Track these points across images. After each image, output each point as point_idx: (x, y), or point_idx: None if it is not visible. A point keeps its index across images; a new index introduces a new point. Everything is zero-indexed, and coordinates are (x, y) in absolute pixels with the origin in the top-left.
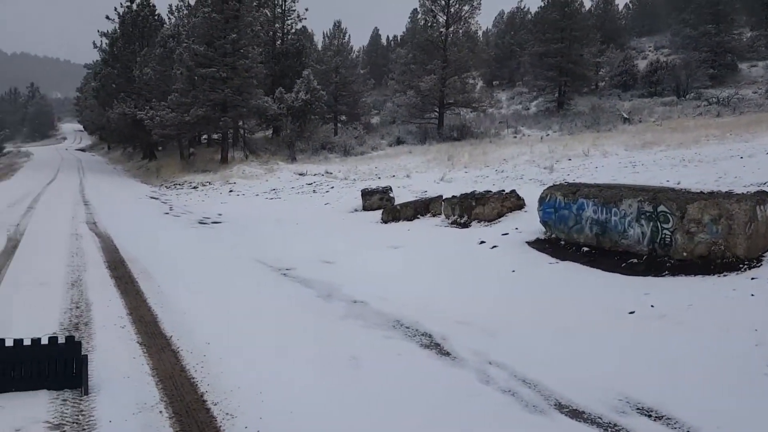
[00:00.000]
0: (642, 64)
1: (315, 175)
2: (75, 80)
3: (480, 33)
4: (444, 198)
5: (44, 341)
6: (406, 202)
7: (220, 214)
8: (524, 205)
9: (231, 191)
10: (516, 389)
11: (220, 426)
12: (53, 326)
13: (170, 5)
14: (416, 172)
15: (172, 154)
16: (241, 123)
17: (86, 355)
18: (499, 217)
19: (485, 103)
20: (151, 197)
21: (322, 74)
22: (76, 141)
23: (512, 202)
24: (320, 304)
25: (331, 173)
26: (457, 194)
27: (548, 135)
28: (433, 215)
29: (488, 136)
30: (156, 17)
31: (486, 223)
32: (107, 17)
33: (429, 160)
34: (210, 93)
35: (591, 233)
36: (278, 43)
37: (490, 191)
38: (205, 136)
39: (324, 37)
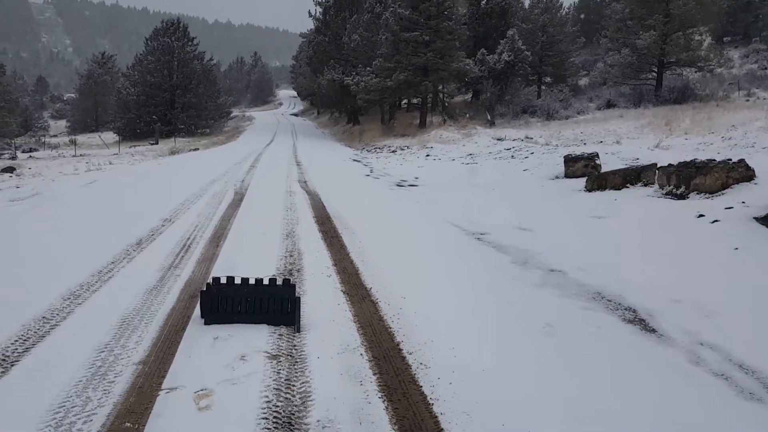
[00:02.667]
0: None
1: (514, 140)
2: (291, 49)
3: None
4: (659, 166)
5: (265, 282)
6: (614, 169)
7: (416, 178)
8: (754, 176)
9: (428, 156)
10: (730, 373)
11: (415, 374)
12: (271, 270)
13: None
14: (627, 138)
15: (374, 119)
16: (440, 87)
17: (299, 297)
18: (723, 189)
19: (713, 61)
20: (354, 160)
21: (528, 34)
22: (291, 106)
23: (740, 172)
24: (515, 270)
25: (531, 138)
26: (674, 162)
27: None
28: (645, 185)
29: (714, 99)
30: None
31: (706, 196)
32: None
33: (643, 126)
34: (412, 57)
35: None
36: (483, 2)
37: (714, 160)
38: (404, 101)
39: None
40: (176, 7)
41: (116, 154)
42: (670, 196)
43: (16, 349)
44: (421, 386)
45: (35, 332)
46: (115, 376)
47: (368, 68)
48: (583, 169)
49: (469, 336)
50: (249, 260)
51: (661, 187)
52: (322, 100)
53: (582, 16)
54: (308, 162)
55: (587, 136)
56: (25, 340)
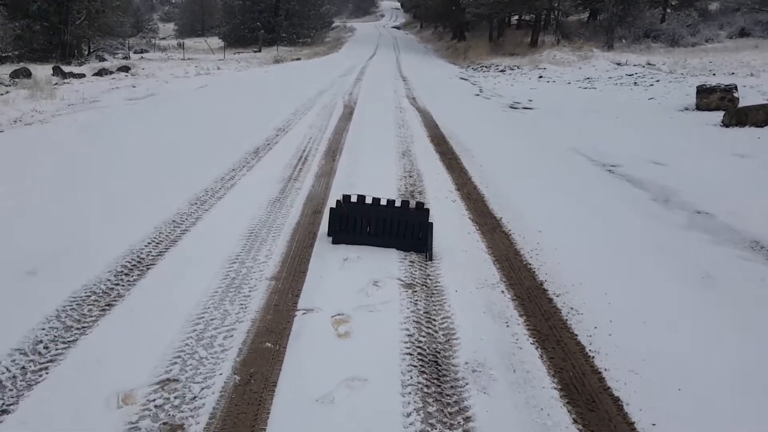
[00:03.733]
0: None
1: (635, 65)
2: None
3: None
4: None
5: (397, 203)
6: (755, 104)
7: (530, 100)
8: None
9: (540, 77)
10: None
11: (566, 320)
12: (392, 190)
13: None
14: (764, 71)
15: (481, 35)
16: (556, 4)
17: (432, 223)
18: None
19: None
20: (461, 78)
21: None
22: (393, 18)
23: None
24: (656, 208)
25: (654, 65)
26: None
27: None
28: None
29: None
30: None
31: None
32: None
33: None
34: None
35: None
36: None
37: None
38: (515, 18)
39: None
40: None
41: (222, 59)
42: None
43: (150, 252)
44: (576, 335)
45: (167, 236)
46: (250, 290)
47: None
48: (719, 101)
49: (621, 281)
50: (367, 178)
51: None
52: (427, 13)
53: None
54: (414, 78)
55: (716, 67)
56: (157, 244)
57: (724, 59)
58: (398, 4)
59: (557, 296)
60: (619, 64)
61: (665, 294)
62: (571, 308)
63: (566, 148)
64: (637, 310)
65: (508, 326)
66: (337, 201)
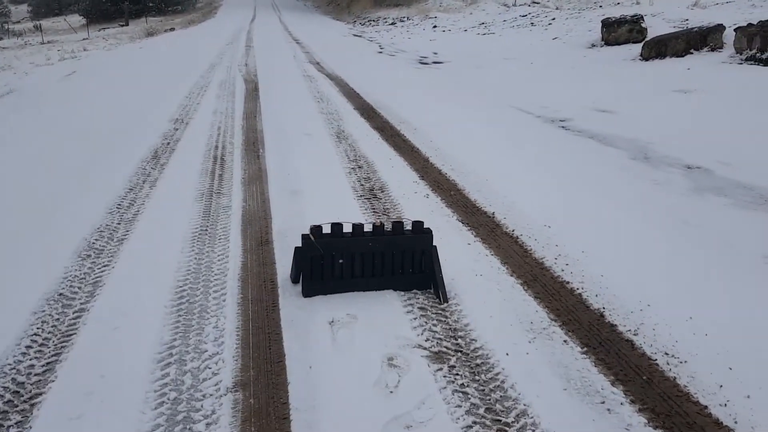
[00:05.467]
0: None
1: (521, 5)
2: None
3: None
4: (737, 27)
5: (388, 226)
6: (670, 33)
7: (435, 53)
8: None
9: (435, 27)
10: None
11: (676, 378)
12: (347, 190)
13: None
14: None
15: None
16: None
17: (436, 247)
18: None
19: None
20: (354, 35)
21: None
22: None
23: None
24: (646, 170)
25: (538, 2)
26: (754, 21)
27: None
28: (713, 49)
29: None
30: None
31: None
32: None
33: None
34: None
35: None
36: None
37: None
38: None
39: None
40: None
41: (86, 38)
42: (753, 62)
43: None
44: (707, 408)
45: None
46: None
47: None
48: (627, 34)
49: (688, 290)
50: (310, 178)
51: (739, 51)
52: None
53: None
54: (307, 39)
55: None
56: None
57: None
58: None
59: (635, 336)
60: (506, 5)
61: (745, 299)
62: (667, 355)
63: (506, 105)
64: (745, 340)
65: (609, 411)
66: (305, 237)
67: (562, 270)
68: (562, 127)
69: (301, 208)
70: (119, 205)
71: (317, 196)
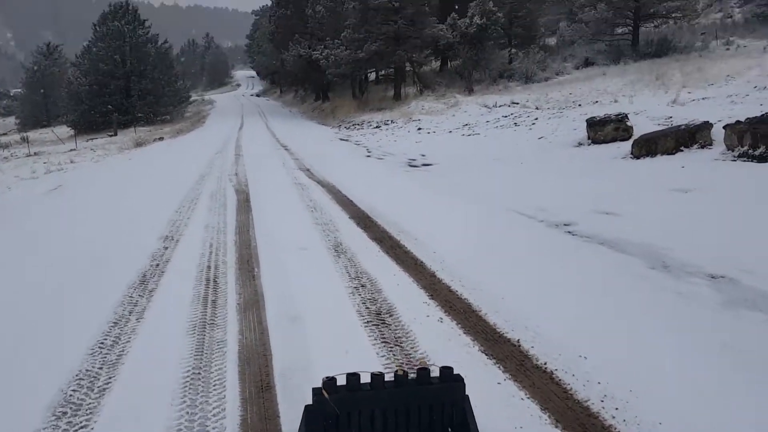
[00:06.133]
0: None
1: (501, 106)
2: (242, 28)
3: None
4: (726, 125)
5: (412, 373)
6: (658, 131)
7: (423, 155)
8: None
9: (419, 129)
10: None
11: None
12: (351, 317)
13: None
14: (622, 96)
15: (344, 94)
16: (413, 56)
17: (468, 397)
18: None
19: (690, 11)
20: (341, 139)
21: None
22: (249, 87)
23: None
24: (667, 281)
25: (518, 103)
26: (735, 117)
27: None
28: (702, 146)
29: (693, 50)
30: None
31: None
32: None
33: (632, 82)
34: (382, 26)
35: None
36: None
37: None
38: (372, 73)
39: None
40: None
41: (74, 149)
42: (746, 158)
43: None
44: None
45: None
46: None
47: (336, 41)
48: (614, 132)
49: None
50: (308, 300)
51: (730, 148)
52: (286, 78)
53: None
54: (295, 145)
55: (578, 97)
56: None
57: (581, 89)
58: (253, 73)
59: None
60: (487, 106)
61: None
62: None
63: (505, 208)
64: None
65: None
66: (316, 392)
67: (614, 417)
68: (568, 232)
69: (304, 339)
70: (102, 343)
71: (320, 322)
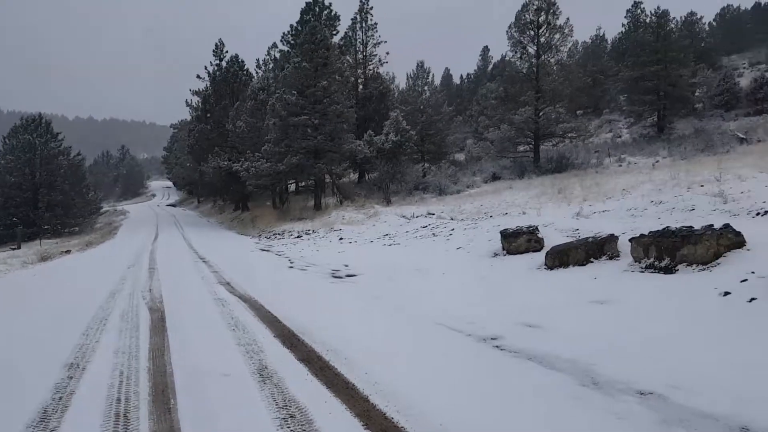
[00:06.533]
0: (743, 82)
1: (418, 216)
2: (159, 140)
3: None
4: (632, 238)
5: None
6: (568, 243)
7: (346, 266)
8: (744, 242)
9: (341, 239)
10: None
11: None
12: None
13: (257, 59)
14: (530, 208)
15: (264, 204)
16: (333, 168)
17: None
18: (716, 258)
19: (584, 132)
20: (261, 249)
21: (408, 114)
22: (165, 197)
23: (730, 239)
24: (601, 400)
25: (434, 214)
26: (635, 229)
27: (657, 161)
28: (610, 258)
29: (590, 166)
30: (245, 72)
31: (699, 267)
32: (198, 76)
33: (537, 195)
34: (302, 141)
35: None
36: (360, 88)
37: (692, 227)
38: (292, 184)
39: (408, 78)
40: (32, 106)
41: None
42: (653, 270)
43: None
44: None
45: None
46: None
47: (257, 153)
48: (527, 244)
49: None
50: None
51: (637, 260)
52: (205, 188)
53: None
54: (213, 257)
55: (489, 209)
56: None
57: (491, 201)
58: (169, 183)
59: None
60: (405, 216)
61: None
62: None
63: (432, 322)
64: None
65: None
66: None
67: None
68: (496, 347)
69: None
70: None
71: None
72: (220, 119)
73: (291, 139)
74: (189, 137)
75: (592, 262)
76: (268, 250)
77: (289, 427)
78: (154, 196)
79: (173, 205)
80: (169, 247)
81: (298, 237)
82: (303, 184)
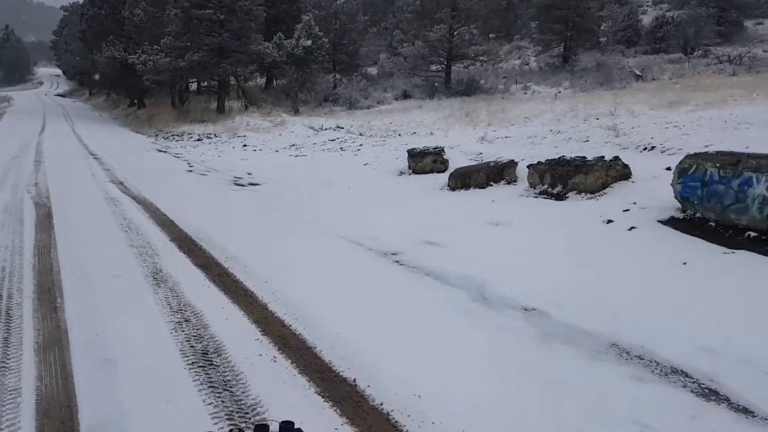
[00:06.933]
0: (646, 20)
1: (327, 129)
2: (49, 23)
3: None
4: (530, 164)
5: None
6: (471, 166)
7: (250, 173)
8: (630, 174)
9: (245, 146)
10: None
11: None
12: (174, 358)
13: None
14: (437, 129)
15: (162, 102)
16: (238, 70)
17: None
18: (603, 188)
19: (495, 56)
20: (158, 150)
21: (321, 20)
22: (54, 86)
23: (617, 171)
24: (488, 314)
25: (342, 128)
26: (533, 156)
27: (560, 92)
28: (509, 182)
29: (497, 91)
30: None
31: (588, 196)
32: None
33: (445, 117)
34: (206, 37)
35: (761, 215)
36: None
37: (585, 157)
38: (194, 83)
39: None
40: None
41: None
42: (546, 196)
43: None
44: None
45: None
46: None
47: (156, 46)
48: (432, 164)
49: None
50: (128, 338)
51: (533, 186)
52: (99, 80)
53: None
54: (105, 153)
55: (398, 127)
56: None
57: (401, 119)
58: (59, 71)
59: None
60: (313, 128)
61: None
62: None
63: (336, 235)
64: None
65: None
66: None
67: None
68: (397, 261)
69: (116, 386)
70: None
71: (137, 366)
72: (116, 4)
73: (194, 34)
74: (81, 22)
75: (491, 185)
76: (165, 151)
77: (183, 331)
78: (41, 84)
79: (62, 95)
80: (57, 140)
81: (198, 140)
82: (206, 84)
